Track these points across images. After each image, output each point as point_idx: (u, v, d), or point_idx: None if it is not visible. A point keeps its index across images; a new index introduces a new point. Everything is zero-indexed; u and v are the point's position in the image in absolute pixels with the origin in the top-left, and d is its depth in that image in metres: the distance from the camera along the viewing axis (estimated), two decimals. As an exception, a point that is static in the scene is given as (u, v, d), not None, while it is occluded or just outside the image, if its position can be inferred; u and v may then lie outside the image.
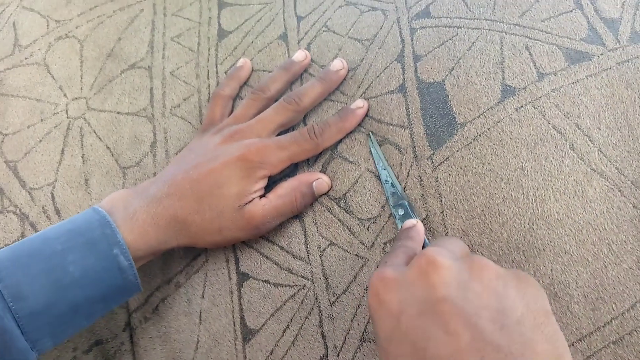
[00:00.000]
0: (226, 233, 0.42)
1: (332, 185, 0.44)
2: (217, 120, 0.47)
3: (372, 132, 0.44)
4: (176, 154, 0.49)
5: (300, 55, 0.49)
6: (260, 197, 0.43)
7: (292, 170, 0.45)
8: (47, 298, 0.37)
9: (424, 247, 0.38)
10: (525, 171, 0.39)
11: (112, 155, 0.51)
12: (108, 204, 0.42)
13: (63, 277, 0.37)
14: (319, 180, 0.43)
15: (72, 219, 0.40)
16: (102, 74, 0.54)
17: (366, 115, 0.45)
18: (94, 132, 0.52)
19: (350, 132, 0.45)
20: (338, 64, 0.46)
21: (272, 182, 0.44)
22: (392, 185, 0.42)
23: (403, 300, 0.30)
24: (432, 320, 0.29)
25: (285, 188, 0.43)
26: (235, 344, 0.43)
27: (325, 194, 0.44)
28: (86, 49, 0.56)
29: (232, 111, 0.49)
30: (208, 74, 0.52)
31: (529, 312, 0.29)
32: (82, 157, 0.51)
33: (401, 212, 0.40)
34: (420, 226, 0.39)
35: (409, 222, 0.39)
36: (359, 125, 0.45)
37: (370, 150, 0.44)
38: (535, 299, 0.30)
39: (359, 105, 0.45)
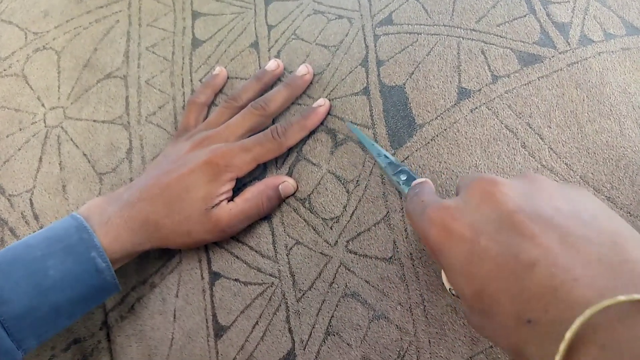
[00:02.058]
0: (195, 235, 0.45)
1: (297, 187, 0.47)
2: (191, 127, 0.50)
3: (347, 122, 0.47)
4: (152, 159, 0.52)
5: (272, 65, 0.51)
6: (228, 200, 0.45)
7: (261, 172, 0.48)
8: (29, 301, 0.39)
9: None
10: (479, 168, 0.42)
11: (89, 162, 0.53)
12: (85, 211, 0.44)
13: (44, 281, 0.40)
14: (285, 183, 0.46)
15: (51, 226, 0.43)
16: (78, 83, 0.57)
17: (332, 115, 0.48)
18: (71, 140, 0.55)
19: (313, 133, 0.48)
20: (303, 70, 0.49)
21: (243, 185, 0.47)
22: (386, 156, 0.44)
23: (474, 223, 0.30)
24: (514, 232, 0.28)
25: (252, 192, 0.46)
26: (208, 341, 0.45)
27: (291, 195, 0.47)
28: (63, 60, 0.59)
29: (206, 118, 0.52)
30: (182, 82, 0.55)
31: (599, 209, 0.29)
32: (59, 164, 0.54)
33: (403, 177, 0.42)
34: (429, 181, 0.40)
35: (418, 180, 0.40)
36: (323, 124, 0.48)
37: (355, 133, 0.46)
38: (594, 199, 0.30)
39: (320, 103, 0.48)
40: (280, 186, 0.46)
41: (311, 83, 0.50)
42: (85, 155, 0.54)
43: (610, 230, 0.27)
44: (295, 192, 0.47)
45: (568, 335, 0.23)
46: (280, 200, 0.47)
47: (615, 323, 0.23)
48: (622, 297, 0.23)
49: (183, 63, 0.56)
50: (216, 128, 0.48)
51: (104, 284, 0.42)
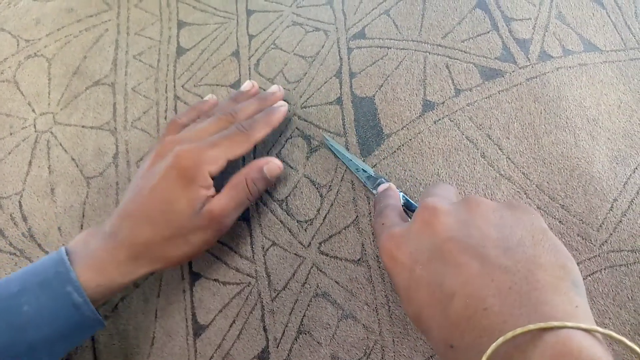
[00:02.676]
0: (193, 240, 0.43)
1: (283, 167, 0.47)
2: None
3: (325, 138, 0.49)
4: (136, 163, 0.55)
5: (247, 86, 0.52)
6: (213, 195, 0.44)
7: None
8: (4, 339, 0.38)
9: (404, 204, 0.43)
10: (441, 176, 0.45)
11: (77, 166, 0.56)
12: (72, 245, 0.43)
13: (17, 318, 0.38)
14: (269, 164, 0.46)
15: (37, 262, 0.42)
16: (68, 90, 0.60)
17: (308, 121, 0.50)
18: (60, 144, 0.58)
19: (290, 137, 0.50)
20: (274, 88, 0.51)
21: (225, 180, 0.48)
22: (364, 170, 0.46)
23: (413, 252, 0.33)
24: (442, 260, 0.31)
25: (236, 178, 0.45)
26: (187, 339, 0.48)
27: (278, 175, 0.47)
28: (54, 67, 0.62)
29: None
30: (166, 87, 0.57)
31: (527, 234, 0.31)
32: (48, 168, 0.57)
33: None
34: (393, 186, 0.43)
35: (383, 186, 0.44)
36: (300, 130, 0.50)
37: (332, 150, 0.48)
38: (530, 221, 0.33)
39: (280, 104, 0.49)
40: (264, 167, 0.46)
41: (288, 90, 0.53)
42: (73, 159, 0.57)
43: (528, 258, 0.30)
44: (280, 173, 0.47)
45: None
46: (267, 182, 0.46)
47: (512, 350, 0.27)
48: (518, 330, 0.27)
49: (167, 70, 0.58)
50: (180, 132, 0.48)
51: (83, 320, 0.40)
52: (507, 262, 0.30)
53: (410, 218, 0.37)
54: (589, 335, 0.26)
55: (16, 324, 0.38)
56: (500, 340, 0.27)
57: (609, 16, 0.50)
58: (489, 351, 0.27)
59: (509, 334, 0.27)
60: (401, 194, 0.44)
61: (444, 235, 0.33)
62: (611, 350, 0.37)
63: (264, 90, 0.54)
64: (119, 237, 0.42)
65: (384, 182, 0.45)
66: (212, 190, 0.44)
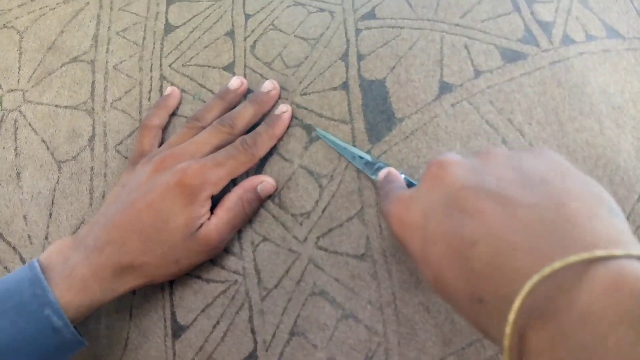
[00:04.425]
0: (184, 262, 0.43)
1: (277, 186, 0.46)
2: (146, 151, 0.48)
3: (313, 126, 0.47)
4: (115, 147, 0.52)
5: (235, 83, 0.50)
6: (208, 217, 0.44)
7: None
8: None
9: (408, 185, 0.41)
10: (458, 164, 0.42)
11: (48, 149, 0.53)
12: (46, 259, 0.41)
13: None
14: (263, 183, 0.46)
15: (6, 278, 0.40)
16: (41, 66, 0.57)
17: (309, 110, 0.48)
18: (30, 124, 0.54)
19: (288, 127, 0.48)
20: (269, 85, 0.49)
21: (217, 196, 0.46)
22: (360, 157, 0.45)
23: (424, 210, 0.32)
24: (458, 210, 0.29)
25: (231, 200, 0.44)
26: (165, 341, 0.45)
27: (271, 195, 0.46)
28: (26, 41, 0.59)
29: (162, 142, 0.50)
30: (151, 66, 0.55)
31: (550, 170, 0.29)
32: (15, 150, 0.53)
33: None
34: (393, 169, 0.42)
35: (383, 171, 0.42)
36: (299, 119, 0.48)
37: (326, 141, 0.46)
38: (551, 158, 0.31)
39: (283, 110, 0.48)
40: (258, 187, 0.45)
41: (286, 76, 0.50)
42: (44, 141, 0.53)
43: (558, 192, 0.27)
44: (275, 191, 0.46)
45: (511, 317, 0.24)
46: (260, 201, 0.46)
47: (554, 292, 0.24)
48: (557, 264, 0.23)
49: (154, 48, 0.56)
50: (180, 145, 0.47)
51: (62, 343, 0.39)
52: (532, 199, 0.28)
53: None
54: None
55: None
56: (536, 277, 0.24)
57: (632, 2, 0.49)
58: (523, 291, 0.24)
59: (546, 270, 0.24)
60: (402, 175, 0.42)
61: (457, 184, 0.31)
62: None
63: (260, 76, 0.52)
64: (104, 253, 0.41)
65: (383, 167, 0.43)
66: (209, 211, 0.44)
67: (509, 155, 0.32)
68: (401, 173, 0.42)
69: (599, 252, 0.23)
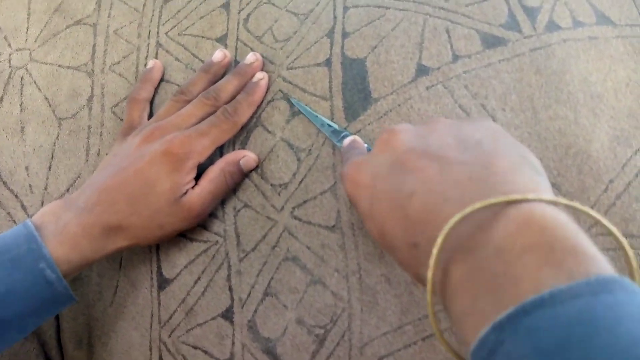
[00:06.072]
0: (167, 227, 0.45)
1: (259, 160, 0.48)
2: (136, 124, 0.50)
3: (290, 97, 0.49)
4: (111, 108, 0.54)
5: (218, 56, 0.52)
6: (193, 186, 0.46)
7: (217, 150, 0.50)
8: None
9: None
10: (428, 145, 0.44)
11: (50, 106, 0.55)
12: (39, 218, 0.44)
13: None
14: (245, 157, 0.47)
15: (2, 235, 0.43)
16: (47, 27, 0.59)
17: (293, 84, 0.50)
18: (35, 82, 0.56)
19: (272, 101, 0.49)
20: (251, 58, 0.50)
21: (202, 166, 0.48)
22: (329, 125, 0.47)
23: (374, 171, 0.35)
24: (402, 170, 0.33)
25: (214, 171, 0.46)
26: (152, 291, 0.48)
27: (253, 169, 0.48)
28: (34, 2, 0.60)
29: (150, 114, 0.52)
30: (149, 33, 0.56)
31: (485, 135, 0.33)
32: (20, 105, 0.56)
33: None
34: (358, 138, 0.44)
35: (349, 139, 0.44)
36: (284, 92, 0.49)
37: (299, 109, 0.48)
38: (488, 125, 0.35)
39: (260, 77, 0.49)
40: (241, 161, 0.47)
41: (275, 50, 0.52)
42: (47, 99, 0.56)
43: (489, 152, 0.31)
44: (257, 165, 0.48)
45: (435, 250, 0.27)
46: (243, 175, 0.48)
47: (474, 230, 0.27)
48: (477, 204, 0.27)
49: (153, 15, 0.57)
50: (167, 118, 0.49)
51: (55, 296, 0.42)
52: (467, 158, 0.31)
53: None
54: (552, 206, 0.26)
55: None
56: (458, 216, 0.27)
57: (627, -12, 0.49)
58: (446, 227, 0.27)
59: (468, 209, 0.27)
60: (366, 145, 0.44)
61: (403, 148, 0.34)
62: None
63: (250, 49, 0.53)
64: (94, 213, 0.43)
65: (348, 136, 0.45)
66: (193, 180, 0.46)
67: (451, 124, 0.35)
68: (366, 145, 0.44)
69: (515, 196, 0.27)
